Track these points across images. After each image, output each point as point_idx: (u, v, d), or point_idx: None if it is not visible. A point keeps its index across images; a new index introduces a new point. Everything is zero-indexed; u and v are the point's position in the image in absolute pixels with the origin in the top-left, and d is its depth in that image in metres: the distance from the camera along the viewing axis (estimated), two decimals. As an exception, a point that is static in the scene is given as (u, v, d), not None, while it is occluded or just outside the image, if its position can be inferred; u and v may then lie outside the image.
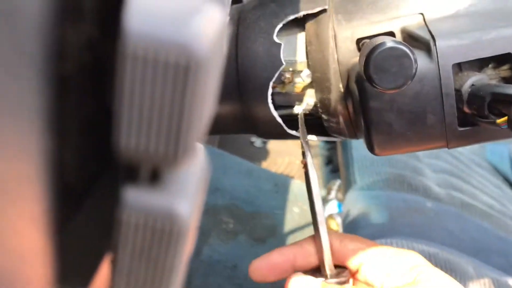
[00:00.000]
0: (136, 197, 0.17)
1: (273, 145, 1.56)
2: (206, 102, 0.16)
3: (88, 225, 0.24)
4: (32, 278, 0.18)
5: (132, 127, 0.15)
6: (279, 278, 0.55)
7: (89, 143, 0.24)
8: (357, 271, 0.54)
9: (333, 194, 1.27)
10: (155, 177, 0.18)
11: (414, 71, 0.44)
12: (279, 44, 0.58)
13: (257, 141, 1.55)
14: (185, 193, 0.18)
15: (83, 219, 0.24)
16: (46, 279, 0.19)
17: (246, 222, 1.20)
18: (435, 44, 0.49)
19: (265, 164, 1.50)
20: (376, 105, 0.51)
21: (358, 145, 1.19)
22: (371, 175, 1.08)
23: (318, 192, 0.58)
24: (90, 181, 0.25)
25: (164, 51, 0.14)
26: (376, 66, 0.43)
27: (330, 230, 1.20)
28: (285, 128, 0.62)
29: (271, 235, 1.18)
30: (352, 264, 0.54)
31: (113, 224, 0.17)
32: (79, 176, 0.23)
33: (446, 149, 0.52)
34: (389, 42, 0.44)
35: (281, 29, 0.60)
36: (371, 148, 0.54)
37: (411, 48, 0.44)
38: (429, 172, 1.12)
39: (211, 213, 1.19)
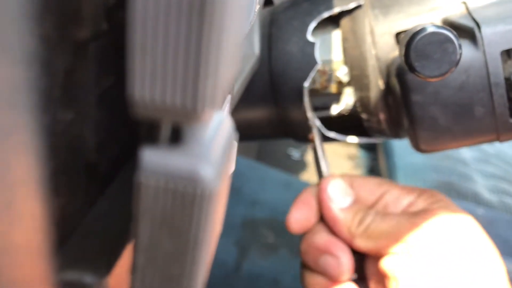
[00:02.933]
0: (155, 158, 0.15)
1: (311, 157, 1.52)
2: (227, 48, 0.15)
3: (111, 209, 0.22)
4: (44, 263, 0.16)
5: (146, 74, 0.14)
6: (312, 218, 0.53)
7: (110, 122, 0.22)
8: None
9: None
10: (176, 138, 0.16)
11: (458, 56, 0.41)
12: (313, 43, 0.57)
13: (295, 154, 1.53)
14: (209, 156, 0.16)
15: (106, 203, 0.22)
16: (57, 267, 0.18)
17: (287, 235, 1.17)
18: (480, 31, 0.46)
19: (303, 177, 1.47)
20: (419, 99, 0.48)
21: (402, 152, 1.15)
22: (416, 183, 1.04)
23: (324, 163, 0.55)
24: (113, 165, 0.23)
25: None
26: (417, 53, 0.41)
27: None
28: (323, 130, 0.60)
29: (313, 248, 1.14)
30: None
31: (133, 191, 0.16)
32: (101, 156, 0.22)
33: (496, 153, 0.49)
34: (430, 27, 0.42)
35: (315, 28, 0.58)
36: (416, 145, 0.51)
37: (454, 32, 0.41)
38: (479, 177, 1.07)
39: (250, 226, 1.17)
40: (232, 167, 0.19)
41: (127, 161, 0.24)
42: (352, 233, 0.47)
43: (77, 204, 0.21)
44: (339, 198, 0.50)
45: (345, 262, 0.47)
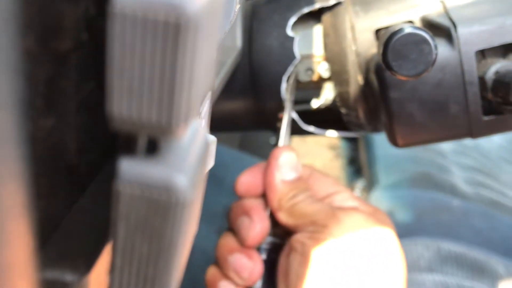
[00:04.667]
0: (131, 168, 0.16)
1: (294, 146, 1.54)
2: (200, 67, 0.16)
3: (91, 209, 0.23)
4: (26, 262, 0.17)
5: (123, 93, 0.15)
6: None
7: (90, 126, 0.23)
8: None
9: (357, 193, 1.25)
10: (152, 149, 0.17)
11: (434, 57, 0.43)
12: (293, 38, 0.57)
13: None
14: (184, 165, 0.17)
15: (86, 202, 0.23)
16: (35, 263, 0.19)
17: (268, 223, 1.18)
18: (456, 31, 0.47)
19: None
20: (397, 95, 0.50)
21: (382, 143, 1.17)
22: (395, 173, 1.06)
23: (284, 139, 0.57)
24: (93, 165, 0.24)
25: (153, 10, 0.13)
26: (394, 53, 0.42)
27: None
28: (301, 124, 0.61)
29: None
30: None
31: (111, 197, 0.17)
32: (81, 158, 0.23)
33: (473, 146, 0.50)
34: (407, 28, 0.43)
35: (296, 22, 0.59)
36: (392, 140, 0.53)
37: (430, 33, 0.43)
38: (456, 169, 1.10)
39: (233, 215, 1.18)
40: (207, 169, 0.20)
41: (107, 160, 0.25)
42: (280, 205, 0.49)
43: (58, 205, 0.22)
44: (285, 170, 0.52)
45: (257, 228, 0.49)
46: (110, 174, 0.24)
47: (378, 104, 0.54)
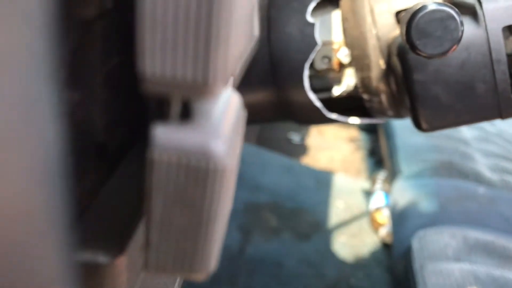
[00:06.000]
0: (167, 134, 0.15)
1: (312, 141, 1.53)
2: (236, 21, 0.15)
3: (121, 189, 0.22)
4: (59, 242, 0.16)
5: (156, 49, 0.14)
6: None
7: (117, 102, 0.22)
8: None
9: (378, 185, 1.23)
10: (186, 114, 0.16)
11: (460, 33, 0.41)
12: (313, 24, 0.56)
13: (295, 138, 1.53)
14: (220, 131, 0.16)
15: (116, 183, 0.22)
16: (64, 244, 0.18)
17: (289, 219, 1.17)
18: (481, 7, 0.46)
19: (304, 161, 1.47)
20: (420, 78, 0.48)
21: (402, 133, 1.15)
22: (417, 163, 1.04)
23: None
24: (122, 145, 0.23)
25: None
26: (419, 31, 0.41)
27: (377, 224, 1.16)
28: (324, 112, 0.60)
29: (315, 231, 1.15)
30: None
31: (146, 168, 0.16)
32: (109, 136, 0.22)
33: (497, 132, 0.49)
34: (431, 5, 0.41)
35: (314, 9, 0.58)
36: (417, 124, 0.51)
37: (455, 9, 0.41)
38: (480, 157, 1.07)
39: (253, 211, 1.17)
40: (241, 142, 0.19)
41: (135, 140, 0.24)
42: None
43: (87, 185, 0.21)
44: None
45: None
46: (139, 153, 0.23)
47: (401, 88, 0.52)
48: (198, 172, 0.15)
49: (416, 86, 0.49)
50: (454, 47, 0.42)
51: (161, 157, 0.15)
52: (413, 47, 0.42)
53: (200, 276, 0.18)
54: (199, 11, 0.13)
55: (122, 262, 0.19)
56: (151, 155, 0.16)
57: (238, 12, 0.15)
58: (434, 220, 0.91)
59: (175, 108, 0.16)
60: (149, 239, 0.17)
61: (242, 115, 0.19)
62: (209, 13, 0.13)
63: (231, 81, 0.27)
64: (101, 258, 0.19)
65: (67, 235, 0.13)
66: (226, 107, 0.18)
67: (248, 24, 0.17)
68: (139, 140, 0.24)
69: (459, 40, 0.41)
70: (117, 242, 0.20)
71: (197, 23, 0.13)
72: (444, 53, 0.42)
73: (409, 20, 0.41)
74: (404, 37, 0.42)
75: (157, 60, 0.14)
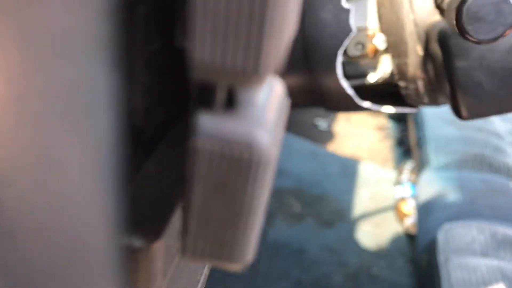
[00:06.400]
0: (210, 122, 0.15)
1: (339, 127, 1.51)
2: (289, 11, 0.14)
3: (158, 174, 0.22)
4: (100, 227, 0.16)
5: (207, 36, 0.13)
6: None
7: (157, 87, 0.22)
8: None
9: (405, 175, 1.21)
10: (231, 103, 0.16)
11: None
12: (348, 10, 0.55)
13: (322, 124, 1.51)
14: (265, 122, 0.16)
15: (153, 166, 0.22)
16: (113, 228, 0.18)
17: (313, 205, 1.17)
18: None
19: (330, 147, 1.46)
20: (463, 64, 0.47)
21: (433, 123, 1.12)
22: (447, 154, 1.02)
23: None
24: (160, 128, 0.23)
25: None
26: (470, 16, 0.39)
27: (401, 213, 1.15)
28: (357, 99, 0.58)
29: (339, 219, 1.14)
30: None
31: (187, 155, 0.16)
32: (148, 120, 0.22)
33: None
34: None
35: (349, -6, 0.56)
36: (457, 112, 0.50)
37: None
38: (512, 151, 1.04)
39: (276, 195, 1.17)
40: (282, 133, 0.19)
41: (172, 126, 0.24)
42: None
43: (126, 168, 0.21)
44: None
45: None
46: (176, 139, 0.23)
47: (439, 75, 0.51)
48: (241, 163, 0.15)
49: (458, 73, 0.47)
50: (507, 32, 0.40)
51: (204, 145, 0.15)
52: (464, 32, 0.40)
53: (237, 267, 0.18)
54: (253, 3, 0.13)
55: (158, 247, 0.19)
56: (194, 144, 0.15)
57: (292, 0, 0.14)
58: (461, 214, 0.90)
59: (221, 96, 0.15)
60: (187, 226, 0.17)
61: (285, 104, 0.18)
62: (264, 1, 0.13)
63: (282, 62, 0.26)
64: (137, 243, 0.19)
65: (119, 222, 0.13)
66: (270, 96, 0.17)
67: (296, 11, 0.16)
68: (177, 124, 0.24)
69: None
70: (153, 227, 0.20)
71: (251, 10, 0.13)
72: (496, 38, 0.40)
73: (460, 4, 0.40)
74: (453, 22, 0.41)
75: (207, 47, 0.14)
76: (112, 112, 0.11)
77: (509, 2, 0.38)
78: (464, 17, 0.39)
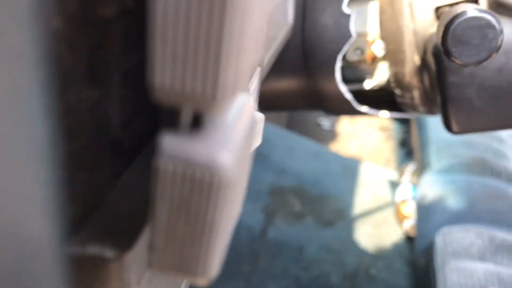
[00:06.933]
0: (174, 144, 0.15)
1: (342, 127, 1.51)
2: (249, 34, 0.14)
3: (135, 185, 0.23)
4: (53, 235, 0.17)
5: (166, 61, 0.14)
6: None
7: (135, 100, 0.22)
8: None
9: (406, 177, 1.21)
10: (196, 124, 0.16)
11: (499, 43, 0.39)
12: (349, 15, 0.55)
13: (325, 124, 1.51)
14: (228, 143, 0.16)
15: (130, 178, 0.23)
16: (57, 236, 0.18)
17: (313, 204, 1.17)
18: None
19: (333, 147, 1.46)
20: (455, 80, 0.47)
21: (435, 126, 1.12)
22: (449, 157, 1.02)
23: None
24: (138, 142, 0.24)
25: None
26: (455, 38, 0.39)
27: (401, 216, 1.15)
28: (354, 104, 0.59)
29: (339, 219, 1.15)
30: None
31: (152, 175, 0.16)
32: (125, 133, 0.22)
33: None
34: (471, 11, 0.39)
35: (351, -1, 0.56)
36: (448, 126, 0.50)
37: (496, 16, 0.39)
38: (514, 156, 1.04)
39: (277, 194, 1.18)
40: (254, 147, 0.19)
41: (152, 136, 0.25)
42: None
43: (101, 180, 0.21)
44: None
45: None
46: (154, 151, 0.23)
47: (434, 86, 0.51)
48: (203, 184, 0.15)
49: (449, 88, 0.47)
50: (491, 57, 0.40)
51: (167, 166, 0.15)
52: (448, 54, 0.40)
53: (201, 281, 0.18)
54: (209, 25, 0.13)
55: (129, 258, 0.20)
56: (157, 164, 0.16)
57: (251, 27, 0.14)
58: (461, 217, 0.90)
59: (185, 118, 0.16)
60: (153, 241, 0.18)
61: (255, 123, 0.19)
62: (219, 28, 0.13)
63: (251, 80, 0.27)
64: (108, 253, 0.19)
65: (59, 231, 0.13)
66: (239, 116, 0.18)
67: (260, 37, 0.17)
68: (156, 136, 0.25)
69: (497, 49, 0.40)
70: (125, 238, 0.20)
71: (207, 38, 0.13)
72: (480, 62, 0.40)
73: (447, 26, 0.40)
74: (440, 41, 0.41)
75: (167, 73, 0.14)
76: (45, 112, 0.11)
77: (495, 27, 0.38)
78: (449, 39, 0.39)
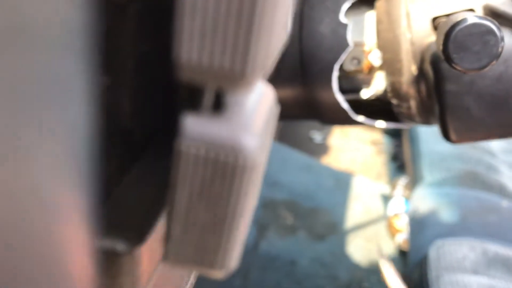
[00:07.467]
0: (197, 125, 0.15)
1: (334, 141, 1.52)
2: (279, 14, 0.14)
3: (145, 178, 0.22)
4: (80, 231, 0.16)
5: (195, 36, 0.13)
6: None
7: (146, 90, 0.22)
8: None
9: (398, 190, 1.21)
10: (218, 106, 0.15)
11: (500, 49, 0.40)
12: (346, 25, 0.55)
13: (317, 137, 1.52)
14: (252, 126, 0.15)
15: (140, 171, 0.22)
16: (94, 232, 0.17)
17: (305, 217, 1.17)
18: None
19: (325, 160, 1.46)
20: (453, 88, 0.47)
21: (427, 140, 1.13)
22: (441, 171, 1.02)
23: None
24: (148, 132, 0.23)
25: None
26: (456, 45, 0.39)
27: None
28: (351, 114, 0.59)
29: (331, 232, 1.14)
30: None
31: (172, 158, 0.15)
32: (136, 123, 0.21)
33: None
34: (471, 18, 0.40)
35: (348, 9, 0.56)
36: (446, 135, 0.50)
37: (496, 23, 0.40)
38: (505, 169, 1.04)
39: (269, 207, 1.17)
40: (271, 139, 0.18)
41: (162, 130, 0.24)
42: None
43: (112, 171, 0.21)
44: None
45: None
46: (165, 143, 0.23)
47: (431, 95, 0.51)
48: (226, 167, 0.15)
49: (447, 96, 0.47)
50: (492, 63, 0.40)
51: (189, 149, 0.15)
52: (450, 60, 0.40)
53: (219, 274, 0.17)
54: (242, 1, 0.12)
55: (141, 251, 0.19)
56: (179, 146, 0.15)
57: (281, 4, 0.14)
58: (453, 231, 0.90)
59: (208, 98, 0.15)
60: (170, 231, 0.17)
61: (275, 110, 0.18)
62: (253, 2, 0.12)
63: (273, 65, 0.26)
64: (120, 247, 0.19)
65: (91, 221, 0.13)
66: (259, 101, 0.17)
67: (287, 18, 0.16)
68: (167, 129, 0.24)
69: (498, 56, 0.40)
70: (137, 231, 0.19)
71: (239, 11, 0.13)
72: (481, 68, 0.40)
73: (448, 32, 0.40)
74: (441, 48, 0.41)
75: (195, 47, 0.13)
76: (85, 107, 0.11)
77: (496, 33, 0.38)
78: (451, 46, 0.39)
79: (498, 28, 0.39)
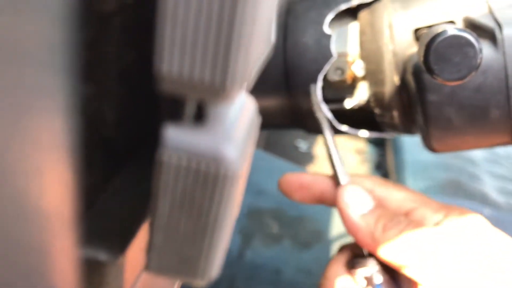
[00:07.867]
0: (178, 135, 0.15)
1: (319, 150, 1.53)
2: (259, 26, 0.14)
3: (128, 188, 0.22)
4: (62, 240, 0.16)
5: (175, 48, 0.13)
6: (303, 200, 0.53)
7: (130, 99, 0.22)
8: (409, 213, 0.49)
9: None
10: (200, 116, 0.16)
11: (479, 61, 0.41)
12: (330, 35, 0.56)
13: (303, 146, 1.53)
14: (233, 137, 0.16)
15: (123, 180, 0.22)
16: (76, 242, 0.17)
17: (291, 226, 1.17)
18: (501, 32, 0.45)
19: (311, 169, 1.47)
20: (434, 99, 0.48)
21: (410, 149, 1.14)
22: (424, 180, 1.03)
23: (339, 163, 0.55)
24: (131, 143, 0.23)
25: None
26: (437, 56, 0.40)
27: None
28: (335, 123, 0.59)
29: (316, 240, 1.14)
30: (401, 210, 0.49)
31: (154, 168, 0.16)
32: (118, 133, 0.21)
33: (506, 155, 0.48)
34: (451, 30, 0.41)
35: (332, 19, 0.57)
36: (428, 144, 0.51)
37: (475, 35, 0.41)
38: (488, 178, 1.06)
39: (255, 216, 1.17)
40: (253, 148, 0.19)
41: (145, 140, 0.24)
42: (376, 240, 0.44)
43: (93, 181, 0.21)
44: (358, 204, 0.48)
45: None
46: (148, 153, 0.23)
47: (414, 106, 0.52)
48: (207, 177, 0.15)
49: (429, 107, 0.48)
50: (471, 74, 0.41)
51: (171, 158, 0.15)
52: (430, 71, 0.41)
53: (201, 283, 0.17)
54: (222, 11, 0.13)
55: (123, 261, 0.19)
56: (160, 156, 0.15)
57: (261, 16, 0.14)
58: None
59: (190, 109, 0.15)
60: (152, 240, 0.17)
61: (256, 120, 0.18)
62: (232, 15, 0.13)
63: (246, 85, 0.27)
64: (102, 256, 0.19)
65: (74, 230, 0.13)
66: (241, 112, 0.17)
67: (268, 29, 0.17)
68: (149, 139, 0.24)
69: (477, 67, 0.41)
70: (120, 240, 0.20)
71: (219, 24, 0.13)
72: (461, 79, 0.41)
73: (428, 44, 0.41)
74: (422, 59, 0.42)
75: (175, 59, 0.14)
76: (67, 116, 0.11)
77: (475, 45, 0.39)
78: (431, 57, 0.40)
79: (477, 40, 0.40)
